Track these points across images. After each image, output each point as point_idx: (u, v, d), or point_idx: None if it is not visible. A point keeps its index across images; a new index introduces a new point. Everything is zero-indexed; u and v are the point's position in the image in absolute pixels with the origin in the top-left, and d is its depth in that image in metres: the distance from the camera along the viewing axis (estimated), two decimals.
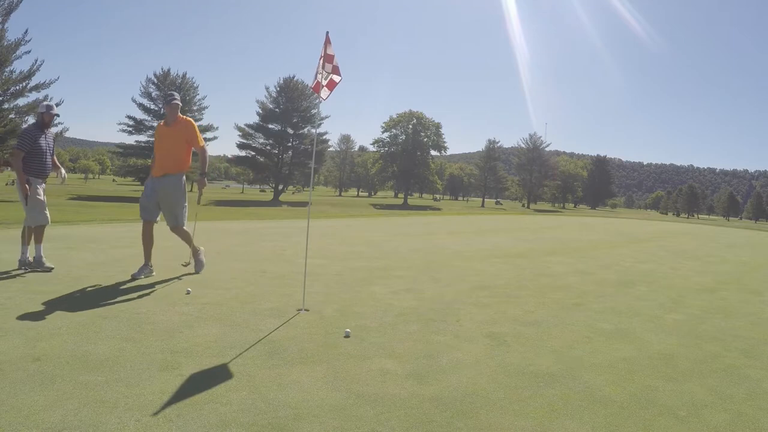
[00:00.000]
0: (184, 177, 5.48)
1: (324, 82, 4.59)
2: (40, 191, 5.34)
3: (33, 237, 5.32)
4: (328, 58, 4.50)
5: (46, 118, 5.40)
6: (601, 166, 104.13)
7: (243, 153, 53.06)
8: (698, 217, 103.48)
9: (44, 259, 5.27)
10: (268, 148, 52.66)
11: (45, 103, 5.57)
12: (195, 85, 49.23)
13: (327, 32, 4.54)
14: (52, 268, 5.21)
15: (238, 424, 2.22)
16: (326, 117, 59.12)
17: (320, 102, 4.86)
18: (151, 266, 5.30)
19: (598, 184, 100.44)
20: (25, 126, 12.71)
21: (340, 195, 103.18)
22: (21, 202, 5.31)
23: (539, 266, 7.35)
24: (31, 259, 5.24)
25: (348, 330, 3.58)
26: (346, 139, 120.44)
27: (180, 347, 3.13)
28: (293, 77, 51.91)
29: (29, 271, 5.08)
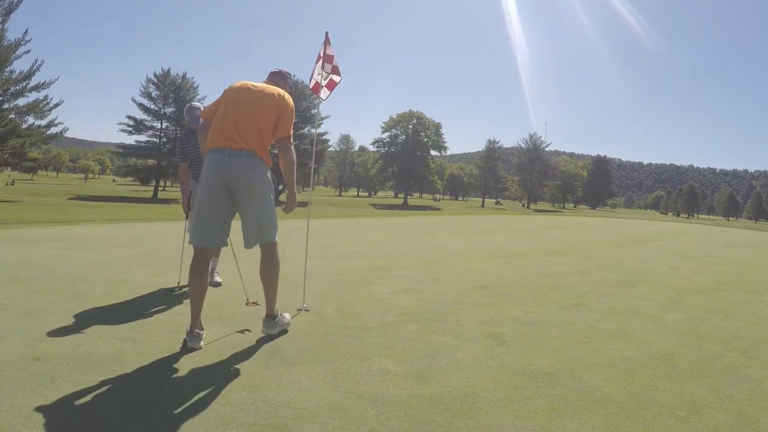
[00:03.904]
0: None
1: (323, 83, 4.60)
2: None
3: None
4: (327, 59, 4.51)
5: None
6: (601, 166, 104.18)
7: None
8: (698, 217, 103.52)
9: (216, 274, 4.97)
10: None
11: (188, 105, 4.82)
12: (195, 85, 49.25)
13: (326, 32, 4.54)
14: (220, 284, 4.92)
15: (238, 424, 2.22)
16: (326, 117, 59.11)
17: (320, 102, 4.86)
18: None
19: (598, 184, 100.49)
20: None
21: (340, 195, 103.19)
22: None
23: (539, 266, 7.35)
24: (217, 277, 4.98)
25: (305, 305, 3.97)
26: (346, 139, 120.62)
27: (180, 347, 3.13)
28: (293, 77, 51.99)
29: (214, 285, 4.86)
